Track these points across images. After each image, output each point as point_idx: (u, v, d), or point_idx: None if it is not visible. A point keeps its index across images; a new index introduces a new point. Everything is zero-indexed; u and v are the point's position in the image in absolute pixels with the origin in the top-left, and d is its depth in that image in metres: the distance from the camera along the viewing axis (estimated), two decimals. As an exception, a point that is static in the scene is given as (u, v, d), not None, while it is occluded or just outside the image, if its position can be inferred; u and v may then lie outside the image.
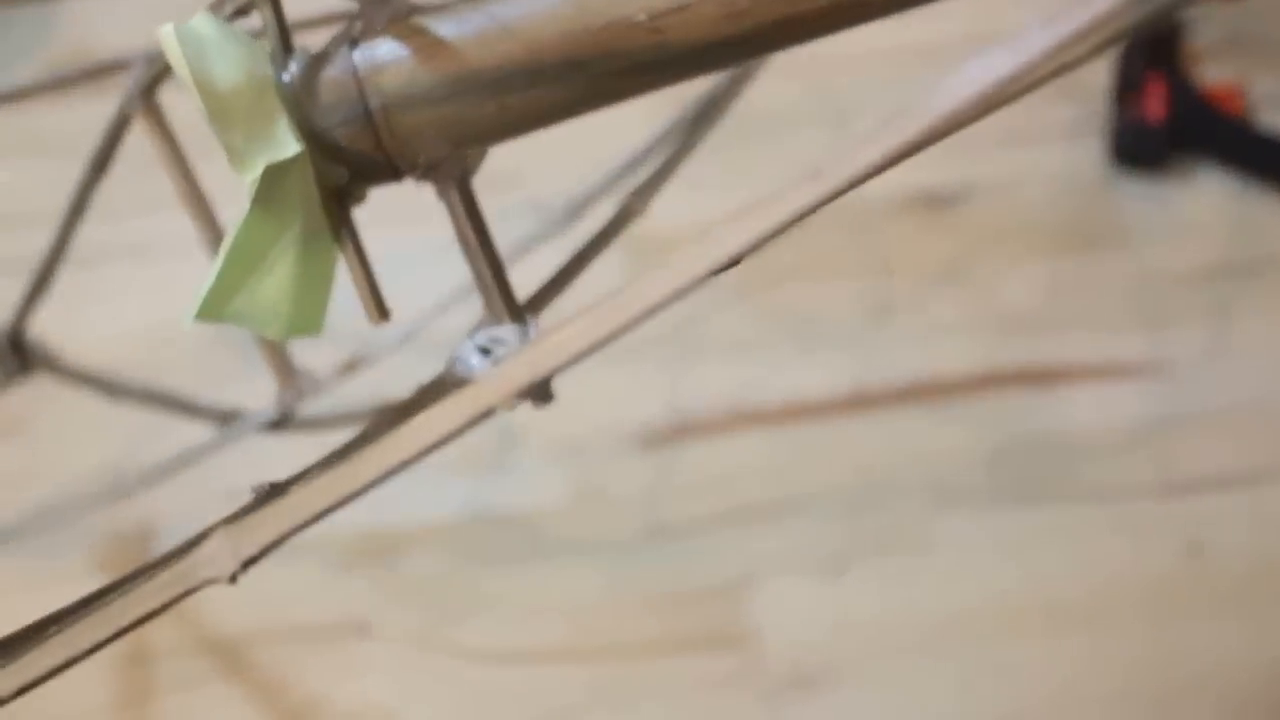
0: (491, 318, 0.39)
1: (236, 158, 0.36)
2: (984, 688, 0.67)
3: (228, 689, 0.67)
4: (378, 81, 0.37)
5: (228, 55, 0.36)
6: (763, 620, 0.69)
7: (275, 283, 0.37)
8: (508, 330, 0.39)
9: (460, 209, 0.39)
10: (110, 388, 0.59)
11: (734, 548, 0.72)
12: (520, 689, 0.67)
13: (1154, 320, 0.79)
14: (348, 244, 0.39)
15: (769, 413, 0.76)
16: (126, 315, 0.80)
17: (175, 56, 0.35)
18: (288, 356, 0.54)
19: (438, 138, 0.38)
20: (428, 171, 0.39)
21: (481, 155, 0.40)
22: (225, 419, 0.58)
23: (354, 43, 0.38)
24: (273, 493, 0.31)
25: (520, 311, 0.39)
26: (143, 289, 0.81)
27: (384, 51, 0.37)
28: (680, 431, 0.75)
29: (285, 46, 0.38)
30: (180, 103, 0.48)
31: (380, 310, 0.40)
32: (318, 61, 0.38)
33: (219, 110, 0.35)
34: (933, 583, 0.71)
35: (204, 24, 0.36)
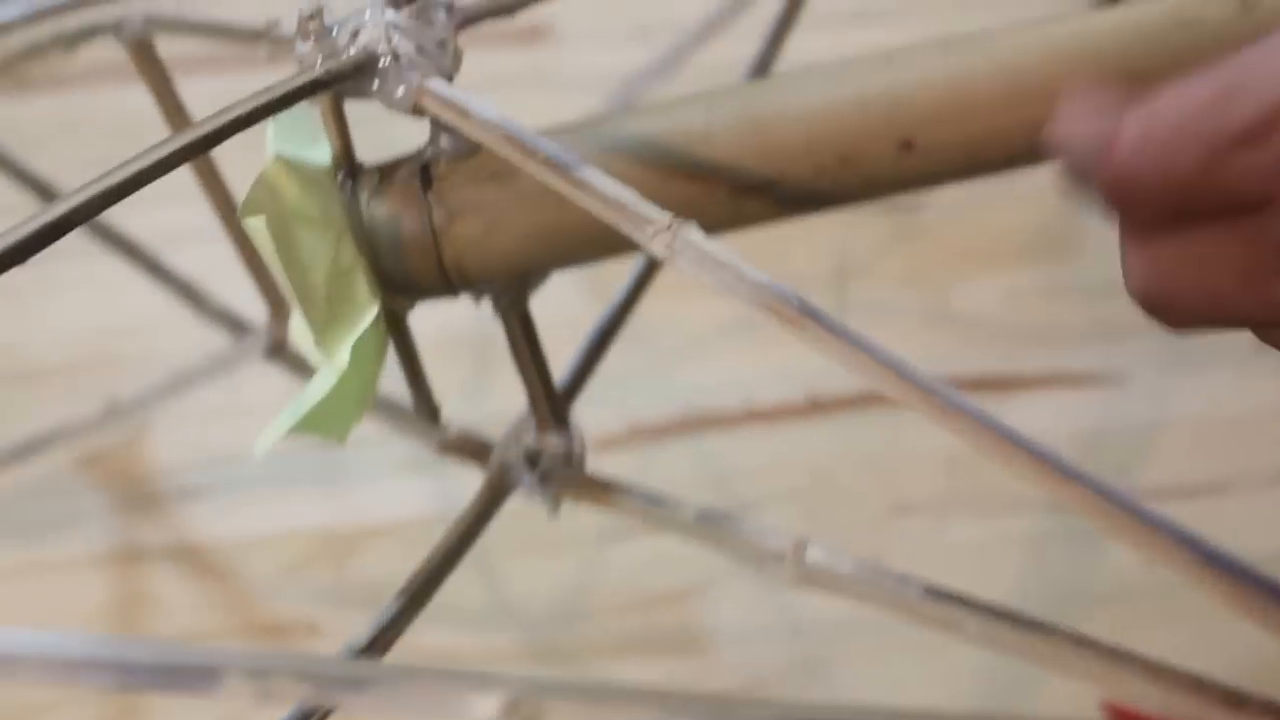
0: (533, 419, 0.41)
1: (321, 333, 0.36)
2: (935, 696, 0.67)
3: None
4: (452, 232, 0.37)
5: (309, 216, 0.36)
6: (717, 626, 0.68)
7: (347, 402, 0.38)
8: (554, 439, 0.41)
9: (517, 329, 0.39)
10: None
11: (689, 553, 0.71)
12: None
13: (1109, 331, 0.79)
14: (406, 357, 0.40)
15: (723, 417, 0.76)
16: (82, 312, 0.78)
17: (263, 243, 0.34)
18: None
19: (505, 274, 0.38)
20: (490, 296, 0.39)
21: (543, 278, 0.40)
22: (232, 327, 0.57)
23: (425, 174, 0.37)
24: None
25: (565, 420, 0.41)
26: (98, 284, 0.79)
27: (459, 199, 0.37)
28: (634, 436, 0.74)
29: (353, 173, 0.37)
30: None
31: (433, 414, 0.41)
32: (390, 195, 0.37)
33: (303, 290, 0.35)
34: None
35: (279, 174, 0.35)
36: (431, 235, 0.36)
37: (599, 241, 0.37)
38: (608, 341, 0.44)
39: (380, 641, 0.38)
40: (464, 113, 0.34)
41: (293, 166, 0.35)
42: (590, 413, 0.70)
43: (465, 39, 0.44)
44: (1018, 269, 0.82)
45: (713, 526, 0.37)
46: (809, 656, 0.68)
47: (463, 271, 0.37)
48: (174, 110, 0.47)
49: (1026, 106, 0.36)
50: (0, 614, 0.66)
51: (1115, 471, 0.74)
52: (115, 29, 0.46)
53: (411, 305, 0.39)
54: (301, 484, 0.72)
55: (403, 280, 0.37)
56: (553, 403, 0.40)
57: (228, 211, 0.49)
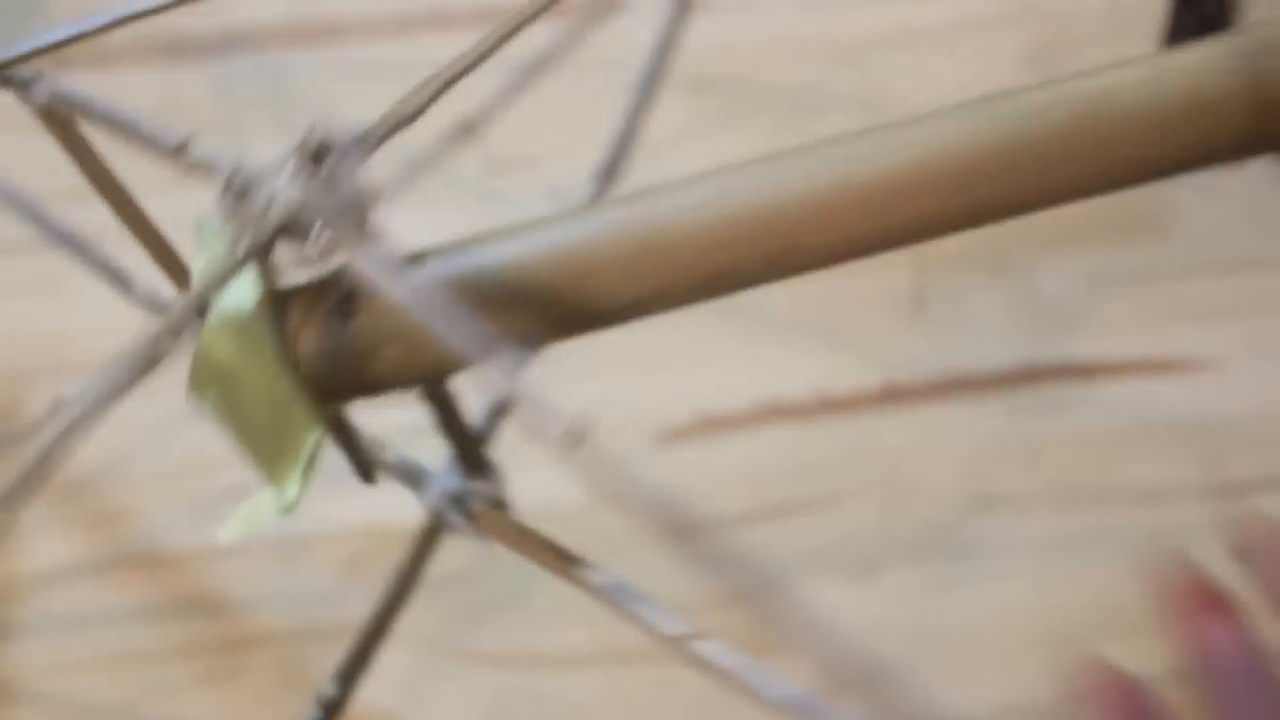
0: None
1: (271, 470, 0.39)
2: (1027, 694, 0.65)
3: (233, 690, 0.65)
4: (375, 358, 0.39)
5: (247, 371, 0.38)
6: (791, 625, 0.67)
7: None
8: (483, 485, 0.45)
9: (437, 405, 0.43)
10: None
11: (761, 549, 0.70)
12: (534, 694, 0.65)
13: (1199, 314, 0.76)
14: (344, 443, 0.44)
15: (796, 407, 0.73)
16: (123, 303, 0.77)
17: (217, 419, 0.38)
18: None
19: (424, 382, 0.41)
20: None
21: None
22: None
23: (346, 306, 0.39)
24: None
25: (489, 469, 0.45)
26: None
27: (378, 330, 0.39)
28: (704, 427, 0.72)
29: (279, 302, 0.39)
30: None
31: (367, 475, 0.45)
32: (314, 328, 0.39)
33: (249, 435, 0.38)
34: (969, 587, 0.69)
35: (213, 340, 0.37)
36: (358, 362, 0.39)
37: None
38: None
39: (347, 683, 0.44)
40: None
41: (224, 323, 0.37)
42: (659, 404, 0.69)
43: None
44: (1104, 251, 0.79)
45: (615, 599, 0.40)
46: (887, 654, 0.67)
47: (386, 386, 0.40)
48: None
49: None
50: None
51: (1207, 463, 0.71)
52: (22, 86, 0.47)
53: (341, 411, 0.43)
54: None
55: (332, 394, 0.40)
56: (478, 459, 0.45)
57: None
